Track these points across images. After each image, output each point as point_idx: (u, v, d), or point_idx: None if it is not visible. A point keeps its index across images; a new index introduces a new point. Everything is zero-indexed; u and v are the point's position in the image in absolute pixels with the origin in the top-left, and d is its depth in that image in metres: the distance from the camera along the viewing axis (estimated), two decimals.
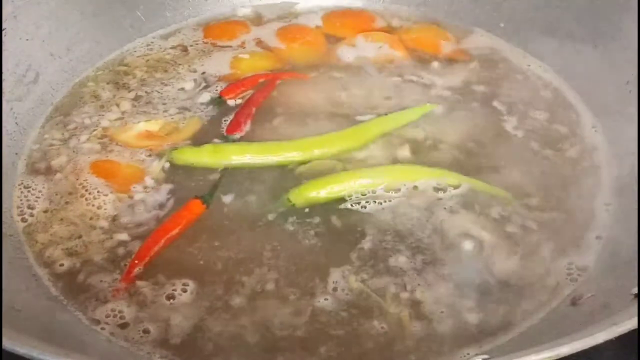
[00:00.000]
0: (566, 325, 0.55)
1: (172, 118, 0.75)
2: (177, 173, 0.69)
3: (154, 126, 0.74)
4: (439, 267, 0.61)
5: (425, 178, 0.67)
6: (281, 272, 0.60)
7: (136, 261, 0.61)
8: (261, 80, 0.80)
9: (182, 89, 0.79)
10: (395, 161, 0.70)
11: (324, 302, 0.58)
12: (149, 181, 0.68)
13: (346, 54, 0.85)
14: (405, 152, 0.70)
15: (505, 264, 0.61)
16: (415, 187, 0.67)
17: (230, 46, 0.86)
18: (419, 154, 0.71)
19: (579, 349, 0.39)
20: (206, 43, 0.86)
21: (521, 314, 0.58)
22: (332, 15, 0.91)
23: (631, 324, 0.40)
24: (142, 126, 0.74)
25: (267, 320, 0.57)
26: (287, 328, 0.57)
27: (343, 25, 0.89)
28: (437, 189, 0.67)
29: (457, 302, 0.58)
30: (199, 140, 0.72)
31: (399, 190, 0.67)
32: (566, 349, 0.38)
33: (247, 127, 0.74)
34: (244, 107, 0.76)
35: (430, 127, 0.74)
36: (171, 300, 0.59)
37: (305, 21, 0.90)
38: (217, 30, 0.88)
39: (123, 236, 0.63)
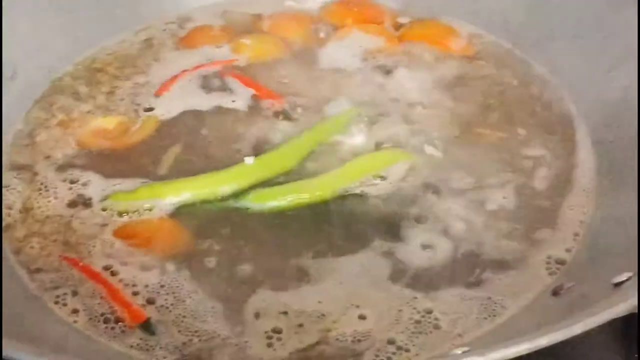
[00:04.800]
0: (547, 316, 0.55)
1: (130, 117, 0.73)
2: None
3: (109, 124, 0.72)
4: None
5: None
6: None
7: None
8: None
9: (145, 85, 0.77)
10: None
11: None
12: None
13: (335, 46, 0.84)
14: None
15: (486, 252, 0.62)
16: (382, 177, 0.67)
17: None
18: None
19: (559, 340, 0.39)
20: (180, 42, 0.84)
21: (502, 304, 0.58)
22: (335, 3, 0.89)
23: (609, 314, 0.40)
24: (99, 122, 0.72)
25: None
26: None
27: (344, 14, 0.88)
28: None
29: None
30: (149, 146, 0.70)
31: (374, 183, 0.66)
32: (545, 340, 0.38)
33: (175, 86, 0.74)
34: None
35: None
36: None
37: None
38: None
39: None
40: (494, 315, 0.57)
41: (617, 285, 0.47)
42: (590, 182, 0.67)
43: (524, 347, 0.38)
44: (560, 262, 0.61)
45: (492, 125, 0.73)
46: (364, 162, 0.67)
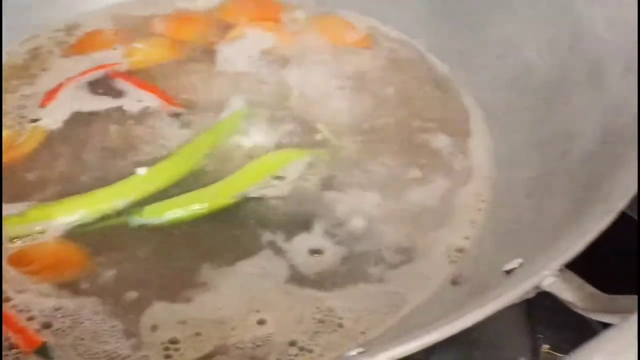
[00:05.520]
0: (448, 306, 0.55)
1: (16, 130, 0.70)
2: None
3: None
4: None
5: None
6: None
7: None
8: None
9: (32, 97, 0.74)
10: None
11: None
12: None
13: (231, 45, 0.82)
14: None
15: (388, 246, 0.61)
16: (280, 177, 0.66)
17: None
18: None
19: (448, 335, 0.39)
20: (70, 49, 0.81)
21: (404, 297, 0.58)
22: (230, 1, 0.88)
23: (497, 305, 0.40)
24: None
25: None
26: None
27: (239, 12, 0.86)
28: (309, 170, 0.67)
29: None
30: (37, 162, 0.67)
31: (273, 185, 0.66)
32: (435, 336, 0.38)
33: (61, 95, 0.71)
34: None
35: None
36: None
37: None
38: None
39: None
40: (397, 310, 0.57)
41: (509, 272, 0.47)
42: (487, 169, 0.68)
43: (413, 345, 0.37)
44: (460, 250, 0.61)
45: (390, 118, 0.73)
46: (260, 164, 0.66)
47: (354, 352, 0.43)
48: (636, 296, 0.40)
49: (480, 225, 0.62)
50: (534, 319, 0.67)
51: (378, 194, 0.66)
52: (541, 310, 0.66)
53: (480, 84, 0.74)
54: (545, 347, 0.65)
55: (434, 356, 0.64)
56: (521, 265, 0.47)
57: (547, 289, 0.43)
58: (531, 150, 0.64)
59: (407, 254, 0.61)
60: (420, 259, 0.61)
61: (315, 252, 0.61)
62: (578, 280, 0.43)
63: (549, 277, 0.43)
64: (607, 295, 0.42)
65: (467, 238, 0.62)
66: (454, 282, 0.57)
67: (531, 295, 0.45)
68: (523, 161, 0.64)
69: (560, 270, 0.44)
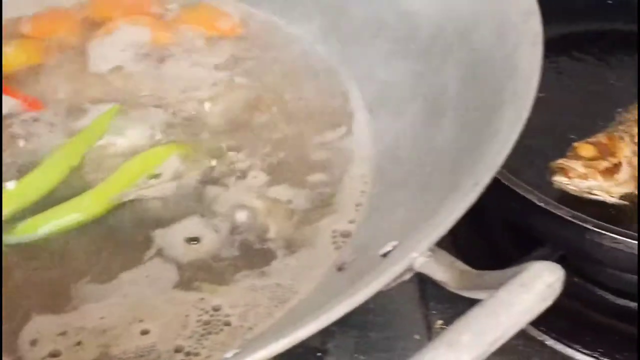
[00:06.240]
0: (334, 293, 0.54)
1: None
2: None
3: None
4: None
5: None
6: None
7: None
8: None
9: None
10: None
11: None
12: None
13: (103, 43, 0.79)
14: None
15: (273, 237, 0.60)
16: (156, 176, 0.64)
17: None
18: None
19: (322, 327, 0.38)
20: None
21: (291, 289, 0.57)
22: None
23: (367, 292, 0.39)
24: None
25: None
26: None
27: (110, 8, 0.82)
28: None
29: None
30: None
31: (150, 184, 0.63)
32: (303, 333, 0.37)
33: None
34: None
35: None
36: None
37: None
38: None
39: None
40: (285, 301, 0.56)
41: (385, 255, 0.47)
42: (369, 150, 0.67)
43: (282, 345, 0.36)
44: (346, 234, 0.60)
45: (268, 108, 0.71)
46: (135, 164, 0.64)
47: (229, 355, 0.42)
48: (505, 270, 0.40)
49: (364, 208, 0.62)
50: (427, 295, 0.68)
51: (261, 185, 0.64)
52: (434, 285, 0.66)
53: (358, 65, 0.74)
54: (438, 323, 0.66)
55: (330, 342, 0.64)
56: (395, 248, 0.46)
57: (420, 270, 0.43)
58: (407, 129, 0.63)
59: (292, 244, 0.60)
60: (306, 247, 0.60)
61: (196, 244, 0.59)
62: (449, 258, 0.43)
63: (420, 258, 0.42)
64: (475, 271, 0.42)
65: (352, 222, 0.61)
66: (340, 268, 0.57)
67: (407, 277, 0.45)
68: (401, 140, 0.64)
69: (432, 249, 0.43)
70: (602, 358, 0.64)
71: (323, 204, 0.63)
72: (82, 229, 0.61)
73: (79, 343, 0.53)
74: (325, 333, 0.66)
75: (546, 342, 0.65)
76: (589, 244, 0.60)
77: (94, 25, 0.81)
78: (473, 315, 0.36)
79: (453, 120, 0.58)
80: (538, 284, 0.37)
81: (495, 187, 0.60)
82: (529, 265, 0.38)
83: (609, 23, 0.91)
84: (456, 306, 0.66)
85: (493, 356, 0.53)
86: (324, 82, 0.74)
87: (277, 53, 0.78)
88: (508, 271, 0.40)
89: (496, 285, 0.38)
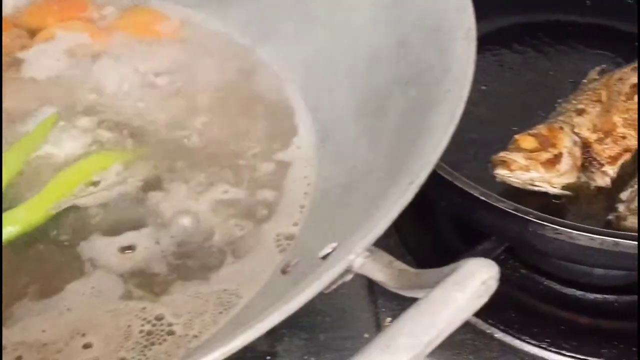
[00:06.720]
0: (279, 296, 0.54)
1: None
2: None
3: None
4: None
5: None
6: None
7: None
8: None
9: None
10: None
11: None
12: None
13: (39, 50, 0.77)
14: None
15: (217, 243, 0.60)
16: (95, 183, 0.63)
17: None
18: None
19: (252, 339, 0.38)
20: None
21: (236, 294, 0.56)
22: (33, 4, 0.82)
23: (305, 297, 0.39)
24: None
25: None
26: None
27: (45, 14, 0.81)
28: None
29: None
30: None
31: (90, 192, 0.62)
32: (236, 344, 0.36)
33: None
34: None
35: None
36: None
37: None
38: None
39: None
40: (230, 307, 0.56)
41: (324, 258, 0.46)
42: (312, 152, 0.67)
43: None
44: (289, 237, 0.60)
45: (207, 111, 0.71)
46: (72, 172, 0.63)
47: None
48: (442, 268, 0.40)
49: (307, 210, 0.61)
50: (376, 293, 0.68)
51: (204, 190, 0.63)
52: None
53: (299, 67, 0.73)
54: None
55: (280, 345, 0.63)
56: (334, 249, 0.46)
57: (359, 271, 0.43)
58: (350, 130, 0.63)
59: (237, 249, 0.60)
60: (251, 251, 0.60)
61: (132, 252, 0.59)
62: (388, 258, 0.43)
63: (358, 259, 0.42)
64: (413, 270, 0.41)
65: (295, 224, 0.61)
66: (284, 271, 0.56)
67: (348, 278, 0.45)
68: (344, 142, 0.64)
69: (370, 250, 0.43)
70: (549, 348, 0.65)
71: (269, 207, 0.63)
72: (23, 240, 0.59)
73: (18, 358, 0.51)
74: (274, 336, 0.65)
75: (495, 335, 0.66)
76: (531, 236, 0.60)
77: (30, 32, 0.80)
78: (408, 317, 0.36)
79: (394, 120, 0.58)
80: (473, 282, 0.37)
81: (439, 183, 0.60)
82: (463, 263, 0.38)
83: (548, 14, 0.92)
84: (405, 303, 0.65)
85: (442, 351, 0.54)
86: (265, 84, 0.73)
87: (217, 56, 0.77)
88: (445, 269, 0.40)
89: (433, 284, 0.38)
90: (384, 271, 0.42)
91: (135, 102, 0.71)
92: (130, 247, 0.59)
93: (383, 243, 0.43)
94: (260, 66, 0.76)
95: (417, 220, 0.74)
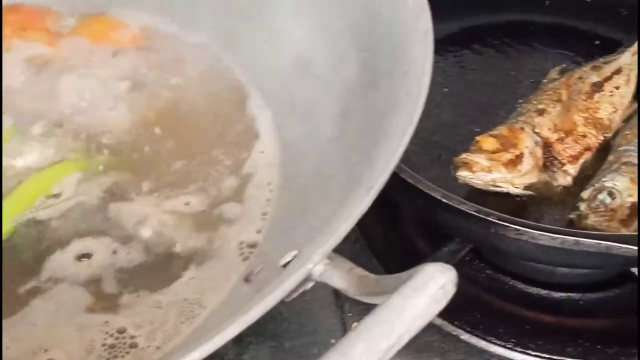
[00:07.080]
0: (242, 305, 0.53)
1: None
2: None
3: None
4: None
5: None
6: None
7: None
8: None
9: None
10: None
11: None
12: None
13: None
14: None
15: (179, 252, 0.59)
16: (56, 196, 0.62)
17: None
18: None
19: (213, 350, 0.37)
20: None
21: (199, 303, 0.56)
22: None
23: (263, 307, 0.39)
24: None
25: None
26: None
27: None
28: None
29: None
30: None
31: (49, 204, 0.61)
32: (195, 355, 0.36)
33: None
34: None
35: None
36: None
37: None
38: None
39: None
40: (193, 317, 0.55)
41: (285, 265, 0.46)
42: (274, 159, 0.66)
43: None
44: (252, 245, 0.60)
45: (173, 119, 0.70)
46: (31, 184, 0.62)
47: None
48: (400, 274, 0.40)
49: (270, 217, 0.61)
50: (342, 298, 0.68)
51: (166, 199, 0.63)
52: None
53: (263, 75, 0.72)
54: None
55: (246, 354, 0.63)
56: (295, 257, 0.46)
57: (319, 279, 0.43)
58: (312, 137, 0.63)
59: (199, 257, 0.59)
60: (213, 260, 0.59)
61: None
62: (348, 265, 0.43)
63: (318, 266, 0.42)
64: (373, 277, 0.41)
65: (259, 231, 0.60)
66: (247, 279, 0.56)
67: (309, 286, 0.45)
68: (306, 148, 0.63)
69: (330, 257, 0.43)
70: (515, 348, 0.65)
71: (231, 215, 0.62)
72: None
73: None
74: (241, 344, 0.65)
75: (461, 337, 0.66)
76: (494, 237, 0.61)
77: None
78: (366, 324, 0.36)
79: (356, 123, 0.58)
80: (430, 287, 0.37)
81: (402, 186, 0.60)
82: (421, 268, 0.38)
83: (509, 15, 0.93)
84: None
85: (408, 354, 0.54)
86: (228, 92, 0.73)
87: (179, 64, 0.76)
88: (403, 275, 0.39)
89: (392, 290, 0.38)
90: (344, 278, 0.42)
91: (96, 111, 0.70)
92: (86, 255, 0.58)
93: (348, 248, 0.43)
94: (223, 73, 0.75)
95: (383, 223, 0.74)
